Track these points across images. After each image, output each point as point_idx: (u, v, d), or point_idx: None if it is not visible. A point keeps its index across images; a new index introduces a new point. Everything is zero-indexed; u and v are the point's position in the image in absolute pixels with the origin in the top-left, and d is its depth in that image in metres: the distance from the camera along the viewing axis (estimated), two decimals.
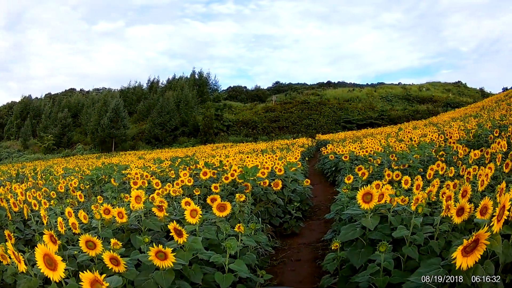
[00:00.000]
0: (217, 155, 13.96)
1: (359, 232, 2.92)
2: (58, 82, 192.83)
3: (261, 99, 70.57)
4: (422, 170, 5.44)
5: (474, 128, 8.40)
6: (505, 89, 42.79)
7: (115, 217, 3.49)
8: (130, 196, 3.74)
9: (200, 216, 3.31)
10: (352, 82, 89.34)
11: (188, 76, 71.11)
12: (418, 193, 3.04)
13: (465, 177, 3.79)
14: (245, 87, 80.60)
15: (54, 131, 58.33)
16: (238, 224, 3.14)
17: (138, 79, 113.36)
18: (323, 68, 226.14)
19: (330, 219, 5.25)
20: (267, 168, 6.60)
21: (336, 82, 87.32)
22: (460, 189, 3.53)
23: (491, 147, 5.05)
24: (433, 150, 6.16)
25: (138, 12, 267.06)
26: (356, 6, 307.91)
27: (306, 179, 7.11)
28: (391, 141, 10.00)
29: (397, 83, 77.07)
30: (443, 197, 3.38)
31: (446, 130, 9.38)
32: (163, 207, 3.83)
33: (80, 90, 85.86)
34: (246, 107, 64.08)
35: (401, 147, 7.74)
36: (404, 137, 10.31)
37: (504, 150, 4.71)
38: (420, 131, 11.50)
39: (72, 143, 58.96)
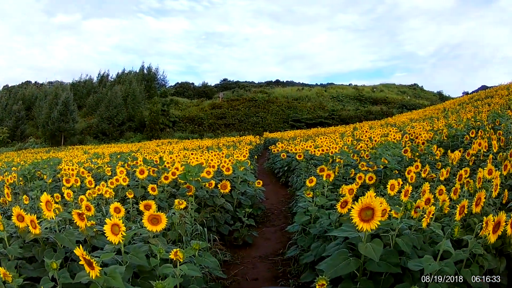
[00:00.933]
0: (161, 151, 13.05)
1: (354, 264, 2.02)
2: (17, 74, 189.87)
3: (208, 96, 69.56)
4: (397, 172, 4.75)
5: (442, 128, 7.95)
6: (465, 93, 43.71)
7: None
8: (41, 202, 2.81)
9: (124, 233, 2.38)
10: (302, 82, 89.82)
11: (137, 71, 69.23)
12: (425, 203, 2.28)
13: (463, 181, 3.11)
14: (193, 83, 79.63)
15: (8, 124, 55.58)
16: (175, 250, 2.20)
17: (89, 73, 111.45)
18: (272, 67, 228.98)
19: (286, 225, 4.50)
20: (213, 166, 5.89)
21: (285, 81, 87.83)
22: (461, 196, 2.91)
23: (472, 148, 4.54)
24: (403, 151, 5.52)
25: (95, 5, 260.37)
26: (311, 6, 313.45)
27: (258, 180, 6.34)
28: (347, 141, 9.41)
29: (348, 84, 77.67)
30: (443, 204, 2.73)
31: (409, 130, 8.95)
32: (84, 215, 2.91)
33: (35, 82, 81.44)
34: (192, 103, 62.62)
35: (361, 146, 7.11)
36: (362, 137, 9.78)
37: (495, 150, 4.15)
38: (380, 130, 11.01)
39: (25, 136, 56.07)
